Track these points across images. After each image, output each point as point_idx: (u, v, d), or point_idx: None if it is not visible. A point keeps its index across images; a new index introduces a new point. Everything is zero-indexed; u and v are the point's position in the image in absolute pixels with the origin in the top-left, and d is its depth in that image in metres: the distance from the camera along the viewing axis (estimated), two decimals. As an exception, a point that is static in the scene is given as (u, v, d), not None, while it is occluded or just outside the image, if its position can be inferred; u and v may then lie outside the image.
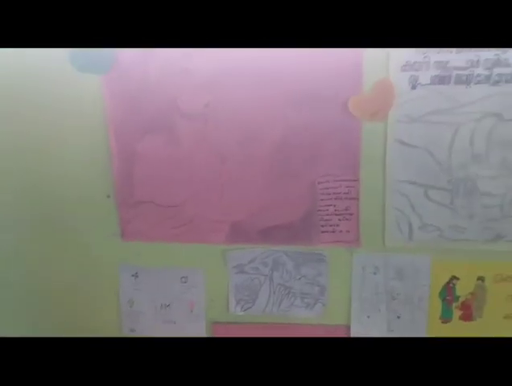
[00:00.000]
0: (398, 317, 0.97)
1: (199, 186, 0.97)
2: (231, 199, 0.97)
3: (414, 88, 0.84)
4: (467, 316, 0.95)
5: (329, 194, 0.94)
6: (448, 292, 0.94)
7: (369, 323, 0.98)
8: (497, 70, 0.81)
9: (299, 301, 1.01)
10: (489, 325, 0.94)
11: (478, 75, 0.81)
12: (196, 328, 1.05)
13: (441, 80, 0.83)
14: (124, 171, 0.98)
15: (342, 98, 0.87)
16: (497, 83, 0.81)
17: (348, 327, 0.99)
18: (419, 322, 0.96)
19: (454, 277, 0.94)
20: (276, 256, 0.99)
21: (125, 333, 1.07)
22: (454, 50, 0.81)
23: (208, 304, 1.04)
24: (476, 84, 0.82)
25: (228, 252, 1.00)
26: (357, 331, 0.99)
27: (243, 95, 0.90)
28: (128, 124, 0.95)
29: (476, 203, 0.89)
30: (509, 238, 0.89)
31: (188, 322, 1.05)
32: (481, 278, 0.93)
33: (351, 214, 0.94)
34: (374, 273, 0.96)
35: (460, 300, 0.94)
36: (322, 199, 0.94)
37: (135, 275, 1.05)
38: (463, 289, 0.94)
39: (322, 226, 0.96)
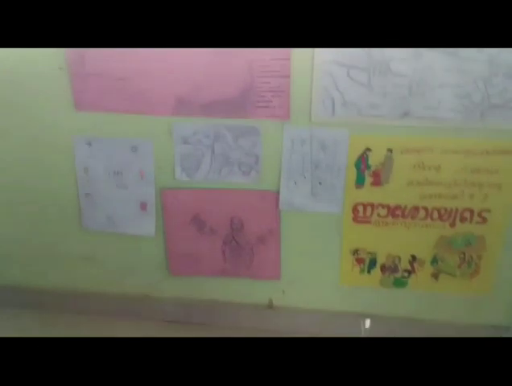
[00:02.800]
0: (320, 183, 1.14)
1: (146, 60, 1.05)
2: (176, 73, 1.06)
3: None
4: (377, 182, 1.12)
5: (264, 71, 1.04)
6: (362, 161, 1.10)
7: (295, 188, 1.15)
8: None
9: (237, 169, 1.15)
10: (395, 190, 1.12)
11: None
12: (146, 193, 1.19)
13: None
14: (74, 44, 1.04)
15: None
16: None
17: (277, 192, 1.15)
18: (338, 187, 1.13)
19: (368, 149, 1.09)
20: (217, 129, 1.11)
21: (82, 196, 1.20)
22: None
23: (156, 171, 1.17)
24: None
25: (173, 124, 1.11)
26: (285, 195, 1.15)
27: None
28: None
29: (390, 83, 1.02)
30: (415, 115, 1.04)
31: (139, 187, 1.19)
32: (389, 150, 1.09)
33: (283, 91, 1.06)
34: (301, 145, 1.10)
35: (372, 169, 1.11)
36: (258, 77, 1.05)
37: (89, 144, 1.15)
38: (374, 160, 1.10)
39: (257, 101, 1.07)
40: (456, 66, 0.99)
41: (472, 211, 1.11)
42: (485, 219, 1.11)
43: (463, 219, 1.12)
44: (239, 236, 1.22)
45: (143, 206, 1.20)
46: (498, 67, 0.97)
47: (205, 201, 1.18)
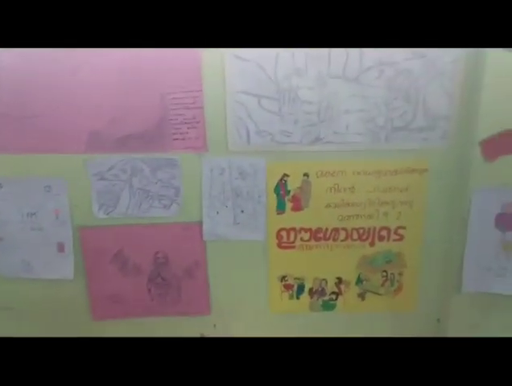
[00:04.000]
0: (242, 211, 1.14)
1: (54, 97, 1.03)
2: (87, 108, 1.04)
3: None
4: (297, 207, 1.14)
5: (178, 104, 1.06)
6: (281, 187, 1.13)
7: (218, 218, 1.14)
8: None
9: (157, 203, 1.13)
10: (315, 213, 1.14)
11: None
12: (62, 233, 1.14)
13: None
14: (-23, 83, 1.01)
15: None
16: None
17: (200, 223, 1.14)
18: (260, 214, 1.14)
19: (285, 175, 1.12)
20: (133, 163, 1.10)
21: (-8, 241, 1.13)
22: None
23: (72, 210, 1.13)
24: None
25: (88, 161, 1.09)
26: (208, 226, 1.14)
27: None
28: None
29: (299, 110, 1.06)
30: (325, 140, 1.08)
31: (55, 228, 1.14)
32: (306, 174, 1.12)
33: (198, 122, 1.07)
34: (221, 174, 1.11)
35: (291, 194, 1.13)
36: (172, 109, 1.06)
37: (-1, 186, 1.10)
38: (293, 185, 1.12)
39: (173, 134, 1.08)
40: (358, 92, 1.05)
41: (388, 230, 1.16)
42: (401, 237, 1.16)
43: (381, 238, 1.16)
44: (164, 271, 1.19)
45: (61, 247, 1.15)
46: (397, 92, 1.04)
47: (126, 238, 1.15)
